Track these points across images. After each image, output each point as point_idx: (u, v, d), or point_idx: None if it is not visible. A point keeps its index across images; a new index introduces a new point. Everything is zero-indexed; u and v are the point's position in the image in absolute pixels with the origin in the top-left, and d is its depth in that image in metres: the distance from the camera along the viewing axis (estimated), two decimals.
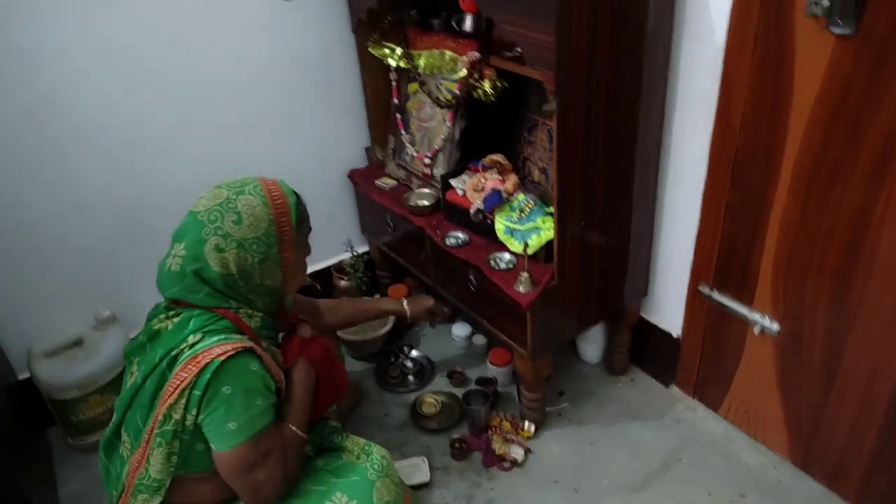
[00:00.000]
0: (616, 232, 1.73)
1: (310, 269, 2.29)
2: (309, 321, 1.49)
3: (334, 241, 2.32)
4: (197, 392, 1.17)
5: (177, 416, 1.18)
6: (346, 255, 2.32)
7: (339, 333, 2.09)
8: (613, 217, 1.69)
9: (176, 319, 1.25)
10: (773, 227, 1.56)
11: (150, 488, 1.25)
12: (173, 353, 1.20)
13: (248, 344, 1.22)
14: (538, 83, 1.69)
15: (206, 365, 1.16)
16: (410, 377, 2.12)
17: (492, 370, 2.04)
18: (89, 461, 1.85)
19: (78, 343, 1.90)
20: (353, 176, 2.26)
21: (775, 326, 1.62)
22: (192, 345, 1.19)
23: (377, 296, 2.34)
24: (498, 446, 1.79)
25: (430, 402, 1.99)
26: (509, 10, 1.41)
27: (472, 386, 1.97)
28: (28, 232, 1.81)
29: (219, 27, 1.89)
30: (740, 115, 1.51)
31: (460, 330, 2.23)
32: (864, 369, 1.48)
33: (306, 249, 1.39)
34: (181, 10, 1.81)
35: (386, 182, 2.17)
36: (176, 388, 1.17)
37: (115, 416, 1.31)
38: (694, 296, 1.81)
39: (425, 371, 2.14)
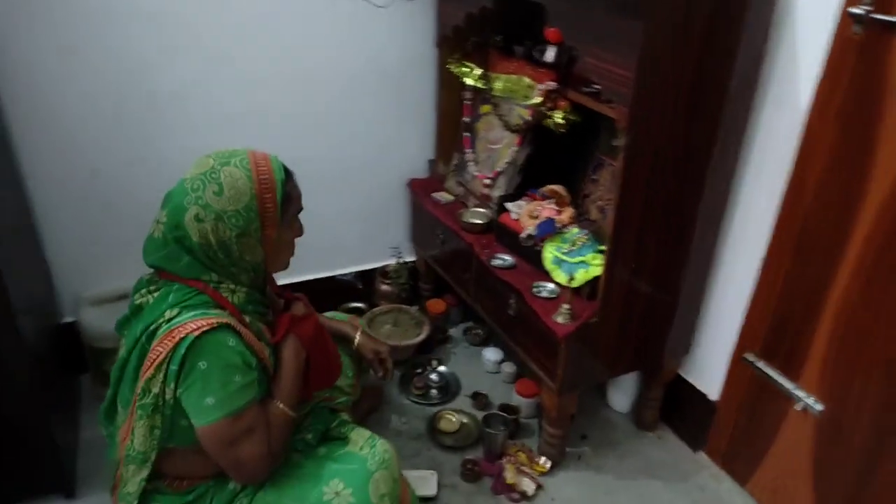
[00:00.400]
0: (666, 283, 1.69)
1: (356, 268, 2.36)
2: (304, 299, 1.47)
3: (383, 246, 2.35)
4: (173, 367, 1.16)
5: (155, 390, 1.18)
6: (392, 261, 2.34)
7: (370, 334, 2.11)
8: (666, 267, 1.66)
9: (156, 294, 1.26)
10: (830, 305, 1.50)
11: (137, 459, 1.26)
12: (151, 327, 1.20)
13: (225, 319, 1.20)
14: (610, 123, 1.70)
15: (181, 340, 1.15)
16: (434, 391, 2.10)
17: (517, 399, 2.01)
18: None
19: (124, 297, 1.96)
20: (413, 185, 2.29)
21: (819, 407, 1.54)
22: (170, 319, 1.19)
23: (415, 308, 2.34)
24: (510, 475, 1.75)
25: (450, 419, 1.97)
26: (594, 43, 1.42)
27: (494, 410, 1.94)
28: (102, 182, 1.90)
29: (312, 24, 1.96)
30: (814, 184, 1.47)
31: (491, 354, 2.21)
32: None
33: (295, 229, 1.35)
34: (280, 5, 1.90)
35: (443, 196, 2.19)
36: (153, 363, 1.17)
37: (110, 387, 1.32)
38: (738, 361, 1.74)
39: (450, 388, 2.12)
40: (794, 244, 1.54)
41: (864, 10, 1.28)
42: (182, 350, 1.16)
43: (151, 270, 1.30)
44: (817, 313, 1.52)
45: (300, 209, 1.35)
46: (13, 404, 1.50)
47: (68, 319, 2.00)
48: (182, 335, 1.16)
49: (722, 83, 1.45)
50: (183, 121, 1.92)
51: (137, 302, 1.29)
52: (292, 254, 1.39)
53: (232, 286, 1.27)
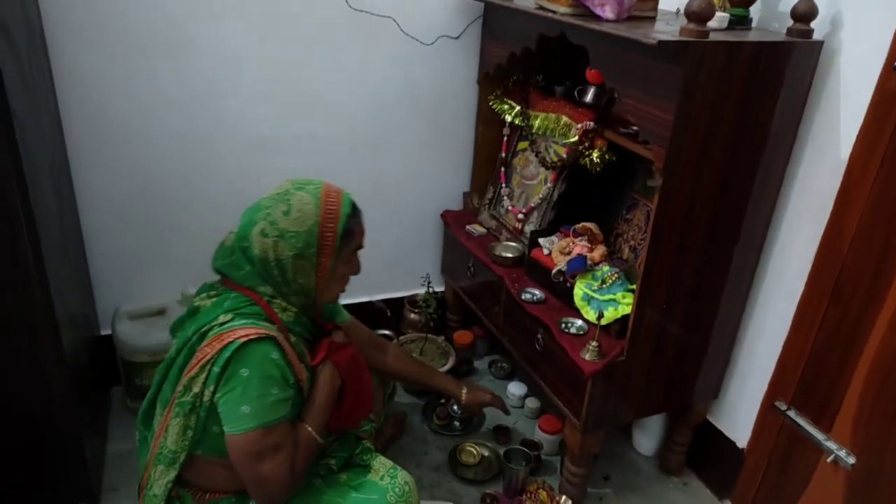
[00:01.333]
0: (697, 326, 1.68)
1: (385, 295, 2.38)
2: (344, 330, 1.50)
3: (413, 275, 2.37)
4: (216, 369, 1.21)
5: (196, 390, 1.23)
6: (422, 291, 2.36)
7: None
8: (698, 310, 1.65)
9: (215, 299, 1.32)
10: (867, 356, 1.47)
11: (167, 459, 1.30)
12: (204, 328, 1.26)
13: (274, 333, 1.25)
14: (646, 164, 1.72)
15: (228, 343, 1.20)
16: (457, 423, 2.10)
17: (540, 436, 1.99)
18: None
19: (161, 312, 2.02)
20: (446, 216, 2.32)
21: (851, 460, 1.51)
22: (222, 324, 1.25)
23: (441, 338, 2.35)
24: None
25: (471, 451, 1.96)
26: (634, 85, 1.45)
27: (516, 445, 1.92)
28: (149, 201, 1.97)
29: (359, 57, 2.02)
30: (852, 233, 1.46)
31: (516, 389, 2.20)
32: None
33: (351, 265, 1.40)
34: (334, 36, 1.97)
35: (476, 229, 2.22)
36: (198, 362, 1.23)
37: (152, 388, 1.37)
38: (768, 409, 1.71)
39: (472, 420, 2.11)
40: (829, 293, 1.53)
41: None
42: (227, 353, 1.20)
43: (217, 278, 1.37)
44: (852, 364, 1.50)
45: (360, 246, 1.42)
46: (48, 413, 1.54)
47: (105, 332, 2.05)
48: (230, 339, 1.21)
49: (761, 131, 1.47)
50: (230, 147, 1.99)
51: (196, 304, 1.35)
52: (343, 289, 1.44)
53: (283, 304, 1.33)
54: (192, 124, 1.93)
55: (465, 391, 1.83)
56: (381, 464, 1.46)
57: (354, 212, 1.37)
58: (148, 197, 1.96)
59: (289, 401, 1.27)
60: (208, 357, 1.22)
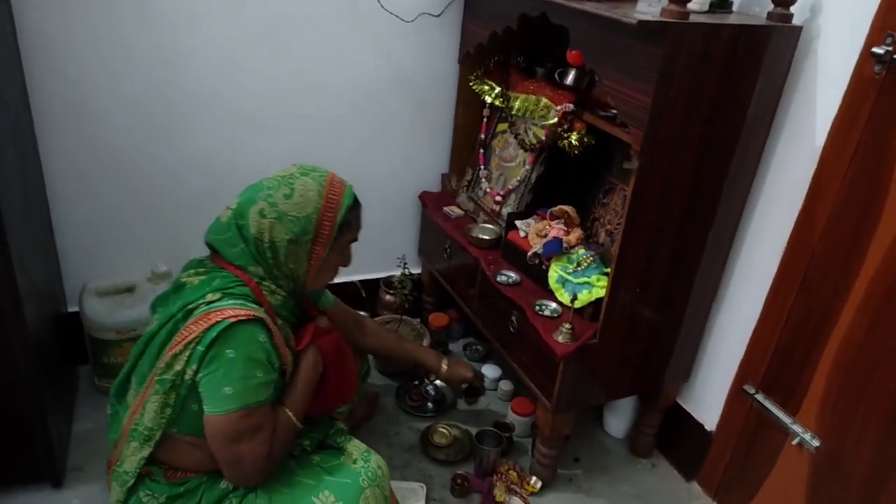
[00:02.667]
0: (670, 309, 1.69)
1: (361, 276, 2.36)
2: (329, 316, 1.50)
3: (390, 256, 2.35)
4: (200, 348, 1.19)
5: (178, 367, 1.20)
6: (398, 272, 2.35)
7: None
8: (670, 293, 1.66)
9: (203, 276, 1.30)
10: (833, 342, 1.49)
11: (142, 436, 1.27)
12: (190, 306, 1.24)
13: (262, 315, 1.24)
14: (624, 148, 1.71)
15: (216, 323, 1.19)
16: (430, 404, 2.09)
17: (512, 418, 2.00)
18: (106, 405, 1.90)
19: (130, 289, 1.98)
20: (424, 198, 2.30)
21: (815, 443, 1.54)
22: (210, 302, 1.23)
23: (417, 321, 2.34)
24: (499, 493, 1.74)
25: (443, 432, 1.96)
26: (614, 67, 1.44)
27: (488, 427, 1.92)
28: (122, 176, 1.92)
29: (337, 33, 1.98)
30: (824, 221, 1.47)
31: (490, 371, 2.20)
32: None
33: (343, 256, 1.40)
34: (313, 10, 1.92)
35: (454, 210, 2.20)
36: (183, 340, 1.20)
37: (128, 362, 1.34)
38: (737, 393, 1.74)
39: (445, 402, 2.11)
40: (800, 279, 1.54)
41: (887, 49, 1.29)
42: (214, 333, 1.18)
43: (206, 253, 1.36)
44: (820, 349, 1.52)
45: (355, 239, 1.41)
46: (11, 391, 1.50)
47: (72, 309, 2.00)
48: (218, 319, 1.19)
49: (739, 114, 1.47)
50: (203, 123, 1.94)
51: (182, 280, 1.32)
52: (332, 279, 1.43)
53: (272, 287, 1.32)
54: (166, 97, 1.87)
55: (445, 364, 1.84)
56: (354, 447, 1.45)
57: (355, 205, 1.36)
58: (119, 170, 1.91)
59: (272, 384, 1.26)
60: (194, 335, 1.19)
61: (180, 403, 1.24)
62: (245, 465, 1.24)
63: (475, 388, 1.96)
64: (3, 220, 1.32)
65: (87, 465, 1.74)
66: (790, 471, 1.62)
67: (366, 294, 2.29)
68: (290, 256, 1.29)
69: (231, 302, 1.23)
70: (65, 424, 1.81)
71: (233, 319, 1.19)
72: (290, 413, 1.32)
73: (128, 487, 1.33)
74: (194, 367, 1.20)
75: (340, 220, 1.31)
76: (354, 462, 1.39)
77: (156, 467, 1.33)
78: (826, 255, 1.48)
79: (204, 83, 1.90)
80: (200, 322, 1.20)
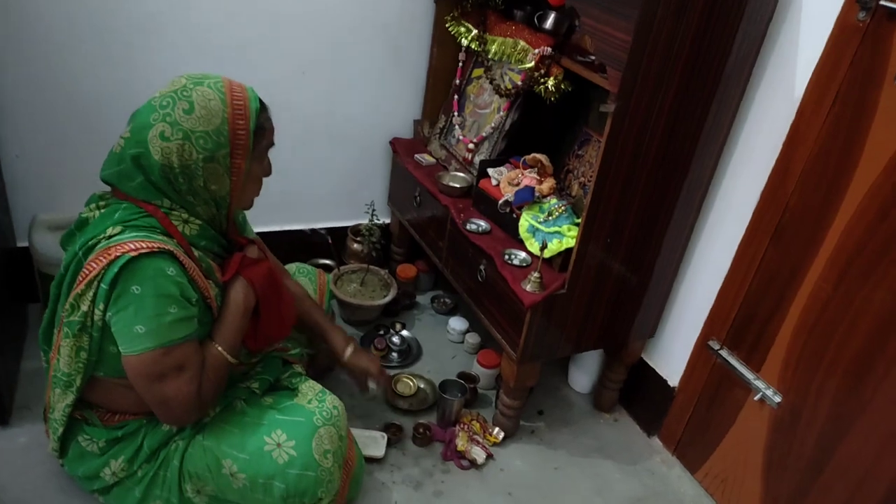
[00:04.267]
0: (639, 262, 1.66)
1: (328, 224, 2.30)
2: (260, 244, 1.41)
3: (359, 204, 2.29)
4: (104, 286, 1.10)
5: (84, 308, 1.13)
6: (366, 221, 2.29)
7: (336, 292, 2.06)
8: (640, 245, 1.63)
9: (104, 210, 1.20)
10: (800, 297, 1.49)
11: (62, 382, 1.21)
12: (91, 242, 1.15)
13: (169, 246, 1.13)
14: (602, 95, 1.66)
15: (117, 258, 1.09)
16: (394, 354, 2.06)
17: (478, 370, 1.98)
18: None
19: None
20: (395, 144, 2.23)
21: (777, 399, 1.54)
22: (110, 237, 1.13)
23: (384, 271, 2.29)
24: (461, 443, 1.72)
25: (407, 382, 1.94)
26: (594, 4, 1.38)
27: (452, 378, 1.90)
28: (76, 105, 1.81)
29: None
30: (799, 172, 1.45)
31: (457, 324, 2.18)
32: (857, 468, 1.39)
33: (263, 165, 1.29)
34: None
35: (425, 158, 2.14)
36: (84, 279, 1.12)
37: (48, 306, 1.26)
38: (701, 349, 1.73)
39: (411, 352, 2.09)
40: (772, 232, 1.52)
41: None
42: (115, 269, 1.09)
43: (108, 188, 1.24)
44: (786, 304, 1.51)
45: (271, 144, 1.29)
46: None
47: (21, 244, 1.91)
48: (119, 253, 1.09)
49: (719, 59, 1.42)
50: (161, 47, 1.84)
51: (84, 216, 1.23)
52: (258, 193, 1.32)
53: (185, 216, 1.21)
54: (124, 24, 1.76)
55: (350, 350, 1.58)
56: (309, 387, 1.40)
57: (263, 107, 1.24)
58: (71, 97, 1.80)
59: (192, 319, 1.17)
60: (94, 272, 1.10)
61: (96, 346, 1.17)
62: (173, 405, 1.18)
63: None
64: None
65: (35, 404, 1.67)
66: (750, 426, 1.63)
67: (332, 242, 2.23)
68: (209, 177, 1.18)
69: (133, 234, 1.12)
70: (12, 362, 1.74)
71: (133, 253, 1.09)
72: (219, 348, 1.24)
73: (60, 434, 1.28)
74: (101, 306, 1.11)
75: (254, 126, 1.19)
76: (308, 402, 1.34)
77: (91, 412, 1.28)
78: (799, 208, 1.46)
79: (165, 9, 1.79)
80: (100, 258, 1.10)
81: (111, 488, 1.33)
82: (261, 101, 1.23)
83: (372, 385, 1.68)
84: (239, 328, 1.28)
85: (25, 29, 1.68)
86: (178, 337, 1.15)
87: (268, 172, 1.32)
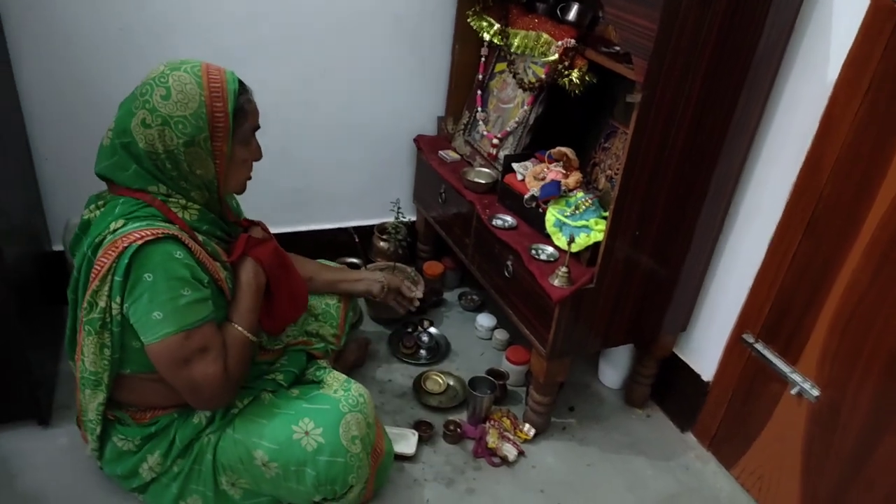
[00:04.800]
0: (669, 255, 1.63)
1: (354, 223, 2.31)
2: (263, 225, 1.42)
3: (384, 202, 2.29)
4: (117, 278, 1.13)
5: (102, 304, 1.15)
6: (392, 219, 2.29)
7: None
8: (670, 238, 1.60)
9: (104, 208, 1.22)
10: (837, 289, 1.44)
11: (90, 381, 1.23)
12: (97, 240, 1.17)
13: (172, 231, 1.15)
14: (628, 87, 1.63)
15: (125, 249, 1.11)
16: (423, 351, 2.07)
17: (507, 367, 1.97)
18: None
19: None
20: (419, 141, 2.23)
21: (815, 392, 1.50)
22: (114, 230, 1.16)
23: (411, 268, 2.29)
24: (492, 440, 1.72)
25: (436, 379, 1.94)
26: None
27: (481, 374, 1.89)
28: (105, 105, 1.81)
29: None
30: (833, 162, 1.41)
31: (484, 320, 2.17)
32: None
33: (250, 148, 1.28)
34: None
35: (449, 154, 2.13)
36: (97, 275, 1.14)
37: (69, 315, 1.29)
38: (735, 342, 1.70)
39: (439, 349, 2.09)
40: (805, 224, 1.48)
41: None
42: (125, 260, 1.11)
43: (104, 188, 1.27)
44: (822, 296, 1.47)
45: (256, 127, 1.29)
46: None
47: (57, 248, 1.96)
48: (125, 245, 1.12)
49: (748, 46, 1.39)
50: (181, 49, 1.84)
51: (86, 217, 1.26)
52: (248, 176, 1.33)
53: (182, 202, 1.23)
54: (150, 27, 1.79)
55: (377, 289, 1.76)
56: (334, 378, 1.42)
57: (243, 89, 1.23)
58: (95, 100, 1.82)
59: (206, 301, 1.19)
60: (106, 267, 1.13)
61: (118, 342, 1.19)
62: (202, 388, 1.20)
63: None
64: None
65: (74, 403, 1.71)
66: (788, 421, 1.59)
67: (359, 240, 2.24)
68: (193, 162, 1.19)
69: (136, 225, 1.15)
70: (50, 363, 1.79)
71: (139, 242, 1.11)
72: (239, 328, 1.26)
73: (97, 435, 1.31)
74: (118, 299, 1.14)
75: (232, 108, 1.19)
76: (335, 392, 1.36)
77: (122, 412, 1.30)
78: (834, 198, 1.42)
79: (189, 15, 1.81)
80: (109, 252, 1.13)
81: (149, 485, 1.36)
82: (241, 82, 1.24)
83: (414, 293, 1.88)
84: (253, 307, 1.30)
85: (56, 28, 1.71)
86: (196, 319, 1.17)
87: (256, 156, 1.32)
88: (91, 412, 1.28)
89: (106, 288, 1.14)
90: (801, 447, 1.56)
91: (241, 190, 1.33)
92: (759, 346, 1.63)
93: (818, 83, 1.42)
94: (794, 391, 1.54)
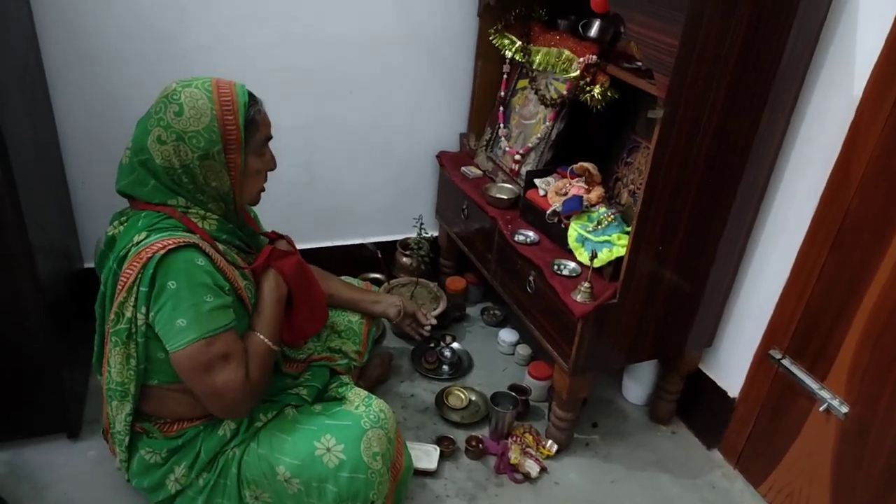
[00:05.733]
0: (693, 270, 1.62)
1: (377, 238, 2.33)
2: (288, 239, 1.45)
3: (407, 218, 2.32)
4: (143, 288, 1.16)
5: (128, 314, 1.18)
6: (414, 234, 2.31)
7: None
8: (694, 252, 1.59)
9: (127, 223, 1.26)
10: (866, 304, 1.42)
11: (117, 393, 1.26)
12: (122, 253, 1.21)
13: (193, 240, 1.19)
14: (650, 102, 1.63)
15: (149, 260, 1.15)
16: (446, 367, 2.07)
17: (529, 382, 1.96)
18: None
19: None
20: (442, 158, 2.25)
21: (844, 409, 1.47)
22: (138, 243, 1.19)
23: (434, 284, 2.30)
24: (515, 456, 1.71)
25: (459, 395, 1.94)
26: (639, 8, 1.36)
27: (503, 390, 1.89)
28: (129, 130, 1.88)
29: None
30: (860, 176, 1.39)
31: (507, 335, 2.17)
32: None
33: (264, 159, 1.32)
34: None
35: (472, 170, 2.15)
36: (124, 286, 1.17)
37: (97, 331, 1.32)
38: (762, 358, 1.67)
39: (462, 365, 2.09)
40: (833, 238, 1.47)
41: None
42: (150, 270, 1.15)
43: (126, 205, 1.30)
44: (851, 312, 1.45)
45: (269, 137, 1.33)
46: (24, 344, 1.50)
47: (89, 265, 2.00)
48: (149, 255, 1.15)
49: (772, 59, 1.38)
50: (211, 72, 1.85)
51: (110, 234, 1.29)
52: (263, 187, 1.36)
53: (202, 212, 1.26)
54: (177, 50, 1.84)
55: (394, 313, 1.77)
56: (355, 394, 1.43)
57: (253, 100, 1.27)
58: (126, 122, 1.86)
59: (228, 308, 1.22)
60: (131, 278, 1.16)
61: (143, 352, 1.22)
62: (225, 396, 1.21)
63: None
64: (12, 171, 1.30)
65: (102, 417, 1.74)
66: (816, 438, 1.56)
67: (382, 256, 2.26)
68: (208, 174, 1.23)
69: (158, 235, 1.18)
70: (80, 378, 1.82)
71: (163, 251, 1.15)
72: (261, 337, 1.29)
73: (125, 446, 1.33)
74: (143, 309, 1.17)
75: (243, 120, 1.23)
76: (356, 408, 1.37)
77: (149, 424, 1.33)
78: (861, 213, 1.40)
79: (216, 35, 1.86)
80: (134, 264, 1.16)
81: (175, 498, 1.37)
82: (251, 94, 1.27)
83: (428, 319, 1.90)
84: (275, 317, 1.32)
85: (89, 55, 1.77)
86: (218, 325, 1.19)
87: (270, 166, 1.36)
88: (119, 423, 1.30)
89: (132, 299, 1.17)
90: (831, 466, 1.53)
91: (256, 200, 1.37)
92: (786, 362, 1.61)
93: (844, 95, 1.41)
94: (822, 408, 1.51)
